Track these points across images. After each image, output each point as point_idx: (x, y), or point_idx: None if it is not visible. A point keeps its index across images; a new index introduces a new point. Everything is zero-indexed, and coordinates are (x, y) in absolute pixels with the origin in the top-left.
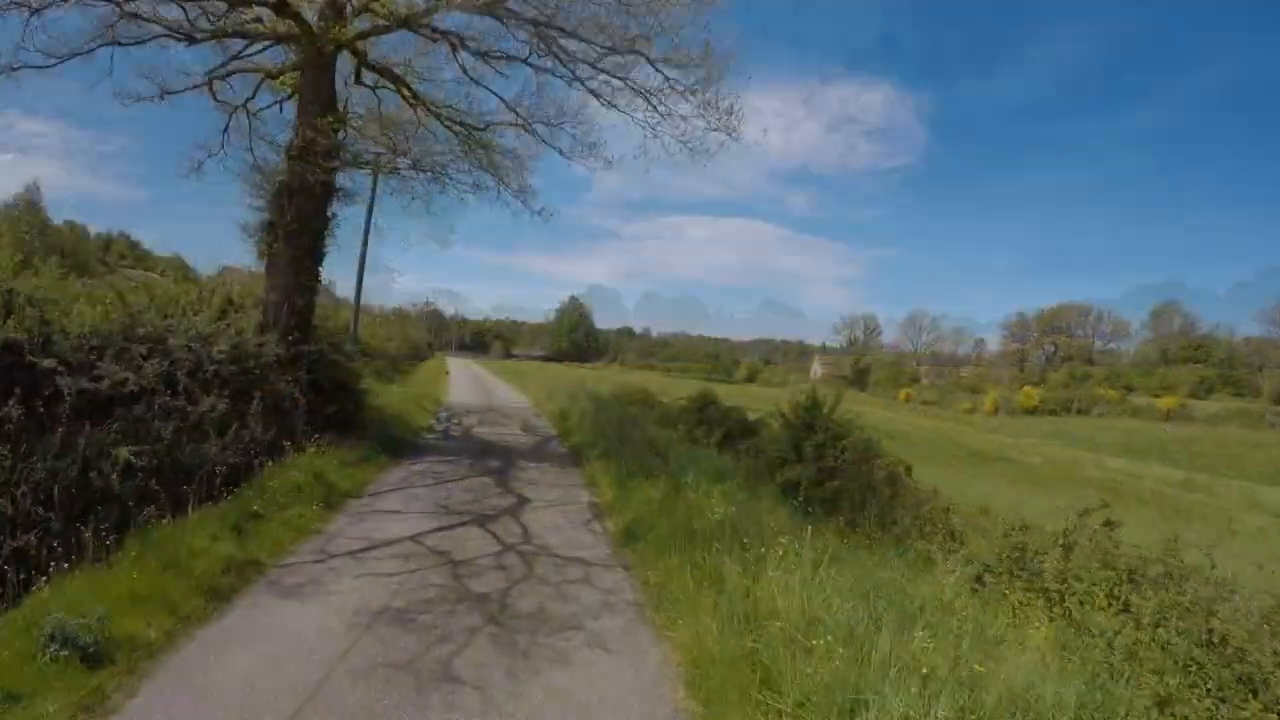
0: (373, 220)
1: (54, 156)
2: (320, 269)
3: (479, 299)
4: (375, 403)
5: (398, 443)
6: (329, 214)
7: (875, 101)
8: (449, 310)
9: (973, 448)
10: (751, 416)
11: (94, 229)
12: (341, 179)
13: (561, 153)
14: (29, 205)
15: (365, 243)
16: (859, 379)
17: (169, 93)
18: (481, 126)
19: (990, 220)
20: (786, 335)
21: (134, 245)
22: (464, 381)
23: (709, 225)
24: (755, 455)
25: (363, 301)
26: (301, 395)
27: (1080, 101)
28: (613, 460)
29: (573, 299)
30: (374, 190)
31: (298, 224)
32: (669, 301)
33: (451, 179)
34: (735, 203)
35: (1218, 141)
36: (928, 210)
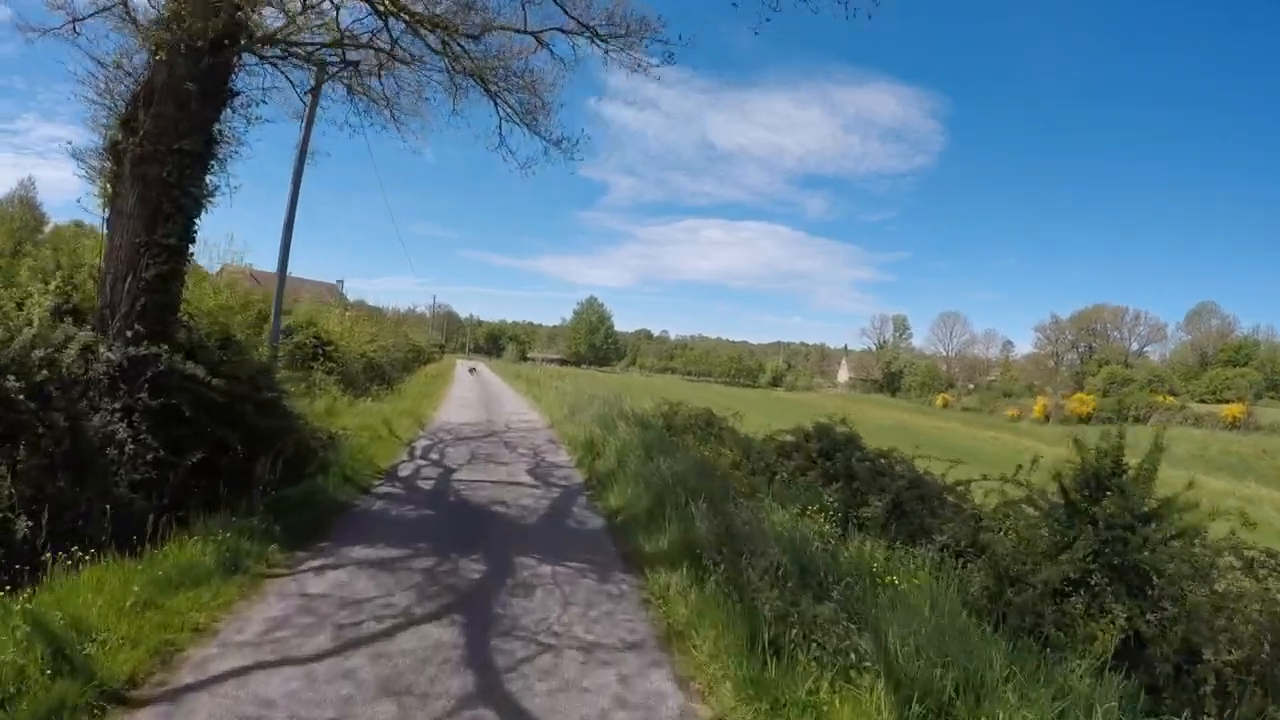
0: (309, 146)
1: (71, 161)
2: (195, 219)
3: (493, 302)
4: (319, 432)
5: (323, 507)
6: (214, 129)
7: (890, 103)
8: (464, 312)
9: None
10: (941, 473)
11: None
12: (248, 81)
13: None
14: (24, 202)
15: (298, 177)
16: (889, 383)
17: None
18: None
19: (1004, 223)
20: (802, 338)
21: None
22: (467, 390)
23: (724, 228)
24: (994, 569)
25: (365, 301)
26: (134, 434)
27: (1094, 100)
28: (703, 576)
29: (591, 300)
30: (313, 100)
31: (154, 142)
32: (685, 304)
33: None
34: (750, 206)
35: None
36: (942, 213)
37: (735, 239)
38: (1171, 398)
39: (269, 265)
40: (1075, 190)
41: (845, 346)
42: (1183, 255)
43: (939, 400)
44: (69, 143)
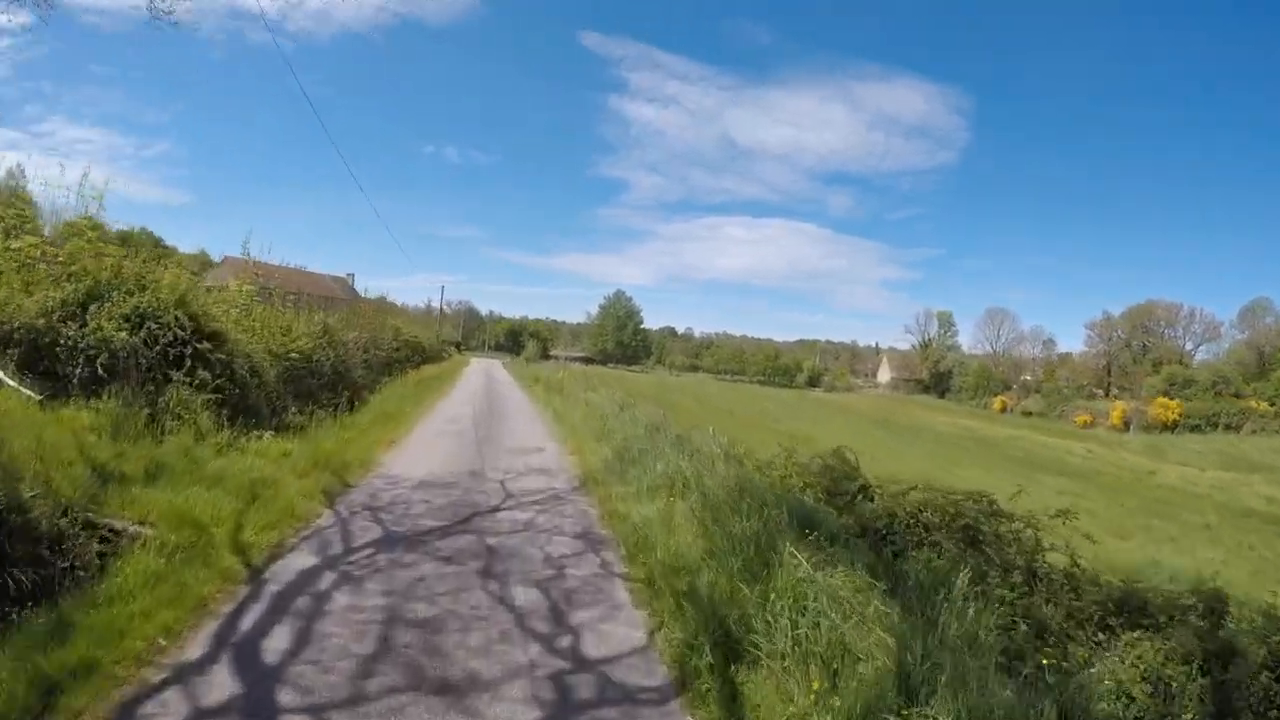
0: None
1: (97, 162)
2: None
3: (517, 300)
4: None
5: None
6: None
7: (915, 99)
8: (484, 309)
9: (1218, 500)
10: None
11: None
12: None
13: None
14: (11, 189)
15: None
16: (937, 384)
17: None
18: None
19: (1035, 219)
20: (828, 336)
21: (157, 241)
22: (463, 403)
23: (748, 226)
24: None
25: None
26: None
27: (1117, 98)
28: None
29: (619, 294)
30: None
31: None
32: (710, 302)
33: None
34: (773, 203)
35: None
36: (971, 210)
37: (758, 236)
38: (1266, 404)
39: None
40: (1105, 187)
41: (875, 345)
42: (1227, 251)
43: (996, 403)
44: None
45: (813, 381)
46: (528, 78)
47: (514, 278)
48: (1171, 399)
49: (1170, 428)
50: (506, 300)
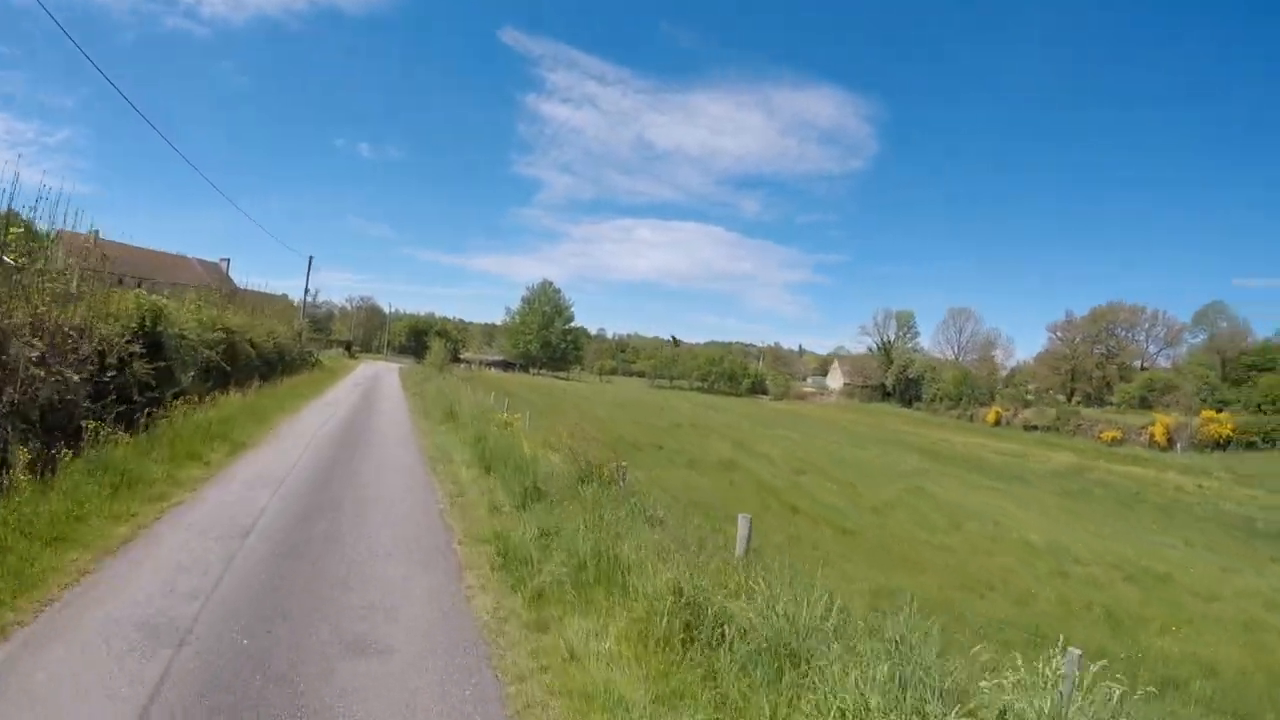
0: None
1: None
2: None
3: (429, 300)
4: None
5: None
6: None
7: (828, 107)
8: (388, 308)
9: None
10: None
11: None
12: None
13: None
14: None
15: None
16: (904, 393)
17: None
18: None
19: (946, 225)
20: (739, 338)
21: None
22: (274, 460)
23: (659, 228)
24: None
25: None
26: None
27: (1034, 109)
28: None
29: (546, 284)
30: None
31: None
32: (622, 304)
33: None
34: (685, 206)
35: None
36: (878, 215)
37: (670, 238)
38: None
39: None
40: (1019, 195)
41: (799, 348)
42: (1157, 257)
43: (990, 415)
44: None
45: (756, 388)
46: (446, 73)
47: (426, 277)
48: (1153, 406)
49: (1222, 445)
50: (418, 301)
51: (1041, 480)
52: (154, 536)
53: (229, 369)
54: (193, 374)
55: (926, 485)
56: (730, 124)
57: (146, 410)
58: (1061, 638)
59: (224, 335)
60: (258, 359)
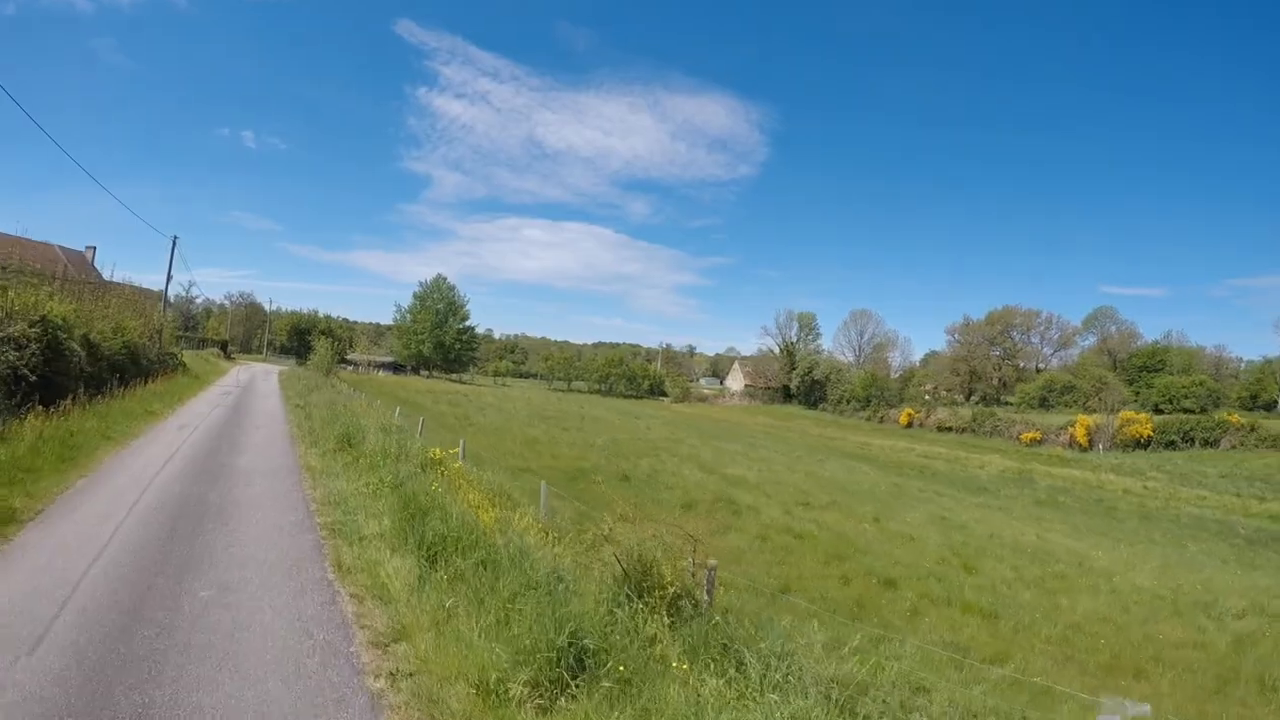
0: None
1: None
2: None
3: (314, 298)
4: None
5: None
6: None
7: (720, 113)
8: (269, 305)
9: None
10: None
11: None
12: None
13: None
14: None
15: None
16: (808, 394)
17: None
18: None
19: (830, 228)
20: (627, 339)
21: None
22: None
23: (548, 228)
24: None
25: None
26: None
27: (923, 120)
28: None
29: (439, 280)
30: None
31: None
32: (510, 304)
33: None
34: (574, 206)
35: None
36: (766, 221)
37: (558, 239)
38: (1235, 415)
39: None
40: (906, 204)
41: (690, 349)
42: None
43: (902, 417)
44: None
45: (654, 390)
46: (335, 62)
47: (309, 274)
48: (1052, 406)
49: (1143, 444)
50: (301, 299)
51: (1000, 488)
52: None
53: (37, 377)
54: None
55: (948, 514)
56: (621, 125)
57: None
58: None
59: (40, 331)
60: (100, 363)
